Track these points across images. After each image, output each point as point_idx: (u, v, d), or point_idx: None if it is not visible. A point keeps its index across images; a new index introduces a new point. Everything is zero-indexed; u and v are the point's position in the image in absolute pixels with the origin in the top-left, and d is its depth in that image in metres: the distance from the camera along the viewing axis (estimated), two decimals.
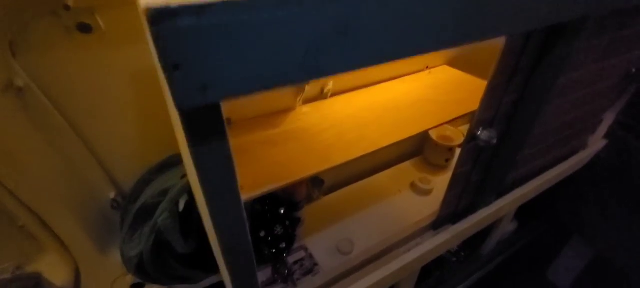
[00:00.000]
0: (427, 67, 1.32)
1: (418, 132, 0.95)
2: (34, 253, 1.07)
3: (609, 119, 1.62)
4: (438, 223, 1.21)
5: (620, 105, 1.59)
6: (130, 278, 1.24)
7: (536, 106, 1.01)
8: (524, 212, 1.83)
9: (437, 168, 1.54)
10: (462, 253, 1.66)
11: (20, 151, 0.83)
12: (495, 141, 0.96)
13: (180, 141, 0.77)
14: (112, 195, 1.10)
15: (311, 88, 1.01)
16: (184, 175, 1.02)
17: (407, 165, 1.56)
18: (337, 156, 0.79)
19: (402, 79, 1.25)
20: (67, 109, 0.84)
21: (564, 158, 1.53)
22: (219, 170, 0.51)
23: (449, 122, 1.06)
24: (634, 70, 1.39)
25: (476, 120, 0.96)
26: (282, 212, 1.00)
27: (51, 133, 0.85)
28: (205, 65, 0.37)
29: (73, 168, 0.97)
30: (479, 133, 0.97)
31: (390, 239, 1.17)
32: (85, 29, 0.72)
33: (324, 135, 0.90)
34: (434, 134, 1.51)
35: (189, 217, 1.06)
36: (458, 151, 1.53)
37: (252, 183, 0.71)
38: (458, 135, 1.52)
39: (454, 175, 1.09)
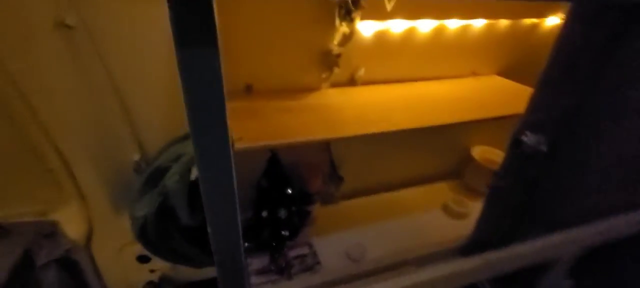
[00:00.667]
0: (474, 73, 1.20)
1: (449, 122, 0.84)
2: (56, 202, 1.11)
3: None
4: (468, 248, 1.04)
5: None
6: (137, 248, 1.23)
7: (602, 118, 0.85)
8: (584, 272, 1.51)
9: (477, 193, 1.37)
10: None
11: (61, 90, 0.89)
12: (544, 148, 0.81)
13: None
14: (136, 157, 1.12)
15: (341, 71, 0.97)
16: None
17: (441, 185, 1.41)
18: (350, 128, 0.72)
19: (443, 80, 1.16)
20: (110, 58, 0.90)
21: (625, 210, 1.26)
22: (206, 79, 0.47)
23: (491, 119, 0.93)
24: None
25: (522, 120, 0.83)
26: (289, 192, 0.93)
27: (91, 79, 0.90)
28: None
29: (105, 121, 1.01)
30: (524, 137, 0.83)
31: (408, 253, 1.03)
32: None
33: (343, 113, 0.83)
34: (477, 155, 1.35)
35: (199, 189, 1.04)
36: None
37: (253, 137, 0.67)
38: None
39: (490, 189, 0.93)
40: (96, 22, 0.84)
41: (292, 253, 0.97)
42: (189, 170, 1.00)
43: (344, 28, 0.88)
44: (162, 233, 1.03)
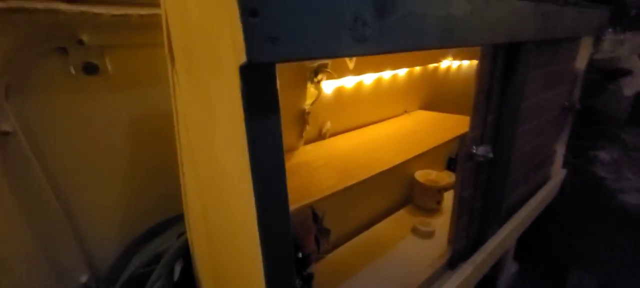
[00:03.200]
0: (406, 111, 1.43)
1: (410, 156, 0.99)
2: None
3: (560, 150, 1.83)
4: (454, 261, 1.15)
5: (565, 137, 1.81)
6: None
7: (512, 124, 1.12)
8: (522, 253, 1.83)
9: (430, 212, 1.54)
10: None
11: None
12: (491, 154, 1.02)
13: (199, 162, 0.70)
14: (83, 279, 0.90)
15: (311, 128, 1.03)
16: (181, 234, 0.89)
17: (401, 213, 1.54)
18: (335, 183, 0.78)
19: (386, 121, 1.34)
20: (50, 163, 0.74)
21: (539, 187, 1.64)
22: (270, 146, 0.47)
23: (435, 148, 1.12)
24: (566, 103, 1.65)
25: (469, 138, 1.02)
26: (300, 256, 0.88)
27: (26, 192, 0.72)
28: (281, 16, 0.38)
29: (43, 243, 0.80)
30: (474, 150, 1.03)
31: (410, 285, 1.07)
32: (91, 69, 0.70)
33: (320, 171, 0.89)
34: (420, 178, 1.55)
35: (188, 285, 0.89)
36: (446, 195, 1.57)
37: None
38: (443, 177, 1.58)
39: (459, 201, 1.09)
40: (36, 124, 0.70)
41: None
42: (172, 271, 0.86)
43: (312, 90, 0.96)
44: None
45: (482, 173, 1.11)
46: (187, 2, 0.50)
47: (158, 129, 0.88)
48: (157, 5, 0.60)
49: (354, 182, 0.78)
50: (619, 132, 2.61)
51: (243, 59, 0.38)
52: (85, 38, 0.66)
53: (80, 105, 0.73)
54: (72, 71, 0.69)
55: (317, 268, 1.14)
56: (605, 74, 2.06)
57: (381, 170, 0.94)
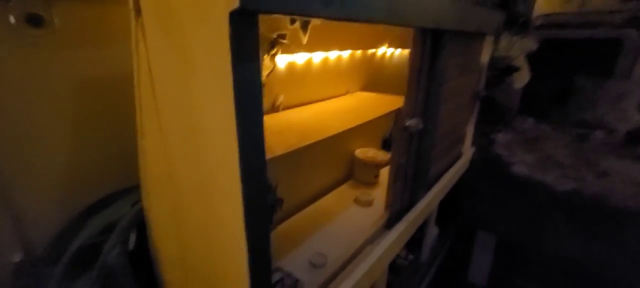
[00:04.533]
0: (348, 91, 1.57)
1: (357, 123, 1.12)
2: None
3: (470, 132, 2.18)
4: (391, 221, 1.32)
5: (474, 120, 2.17)
6: None
7: (436, 101, 1.33)
8: (441, 218, 2.14)
9: (369, 185, 1.71)
10: (410, 256, 1.78)
11: None
12: (422, 125, 1.20)
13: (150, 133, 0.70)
14: (16, 258, 0.81)
15: (266, 100, 1.08)
16: (136, 203, 0.87)
17: (343, 187, 1.68)
18: (296, 142, 0.87)
19: (331, 99, 1.46)
20: None
21: (455, 161, 1.95)
22: (253, 92, 0.52)
23: (372, 128, 1.27)
24: (475, 90, 1.98)
25: (403, 113, 1.19)
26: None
27: None
28: None
29: None
30: (408, 123, 1.20)
31: (355, 244, 1.21)
32: (35, 21, 0.64)
33: (282, 133, 0.96)
34: (360, 155, 1.71)
35: (140, 259, 0.87)
36: (382, 171, 1.77)
37: None
38: (380, 154, 1.76)
39: (393, 167, 1.26)
40: None
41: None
42: (127, 240, 0.84)
43: (268, 62, 1.01)
44: None
45: (413, 143, 1.30)
46: None
47: (108, 93, 0.83)
48: None
49: (312, 141, 0.87)
50: (512, 120, 3.17)
51: (236, 4, 0.43)
52: None
53: (19, 60, 0.66)
54: (12, 21, 0.62)
55: (272, 237, 1.19)
56: (501, 70, 2.52)
57: (333, 133, 1.05)
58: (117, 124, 0.87)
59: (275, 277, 1.02)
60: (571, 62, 3.29)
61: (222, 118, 0.53)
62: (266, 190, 0.62)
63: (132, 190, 0.93)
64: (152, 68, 0.65)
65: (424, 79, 1.24)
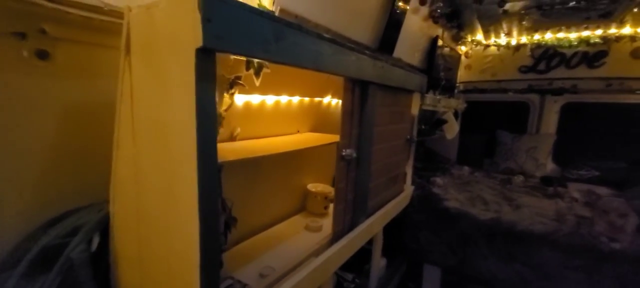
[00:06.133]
0: (298, 131, 1.84)
1: (303, 147, 1.37)
2: None
3: (409, 171, 2.51)
4: (335, 238, 1.51)
5: (411, 162, 2.52)
6: None
7: (369, 140, 1.63)
8: (389, 253, 2.34)
9: (319, 215, 1.91)
10: (357, 281, 1.91)
11: None
12: (355, 155, 1.47)
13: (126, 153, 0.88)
14: None
15: (224, 130, 1.30)
16: (101, 210, 1.00)
17: (296, 217, 1.86)
18: (246, 155, 1.09)
19: (283, 136, 1.71)
20: None
21: (396, 196, 2.22)
22: (209, 104, 0.75)
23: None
24: (408, 136, 2.35)
25: (340, 144, 1.47)
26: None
27: None
28: (223, 24, 0.71)
29: None
30: (343, 153, 1.47)
31: (301, 257, 1.37)
32: (42, 55, 0.83)
33: (235, 152, 1.18)
34: (312, 188, 1.93)
35: (99, 263, 0.98)
36: (331, 205, 1.98)
37: None
38: (329, 189, 1.99)
39: (336, 191, 1.49)
40: None
41: (223, 285, 1.08)
42: (90, 240, 0.96)
43: (227, 99, 1.26)
44: None
45: (351, 171, 1.55)
46: (154, 12, 0.77)
47: (88, 117, 1.01)
48: (119, 16, 0.84)
49: (259, 155, 1.08)
50: (450, 167, 3.61)
51: (200, 44, 0.69)
52: (47, 28, 0.81)
53: (21, 85, 0.83)
54: (25, 54, 0.81)
55: (227, 256, 1.32)
56: (433, 122, 2.98)
57: (280, 151, 1.30)
58: (93, 145, 1.03)
59: (226, 283, 1.14)
60: (493, 120, 3.94)
61: (186, 125, 0.74)
62: (218, 191, 0.81)
63: (93, 206, 1.06)
64: (134, 93, 0.86)
65: (357, 119, 1.55)
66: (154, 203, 0.89)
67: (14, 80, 0.83)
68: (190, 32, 0.69)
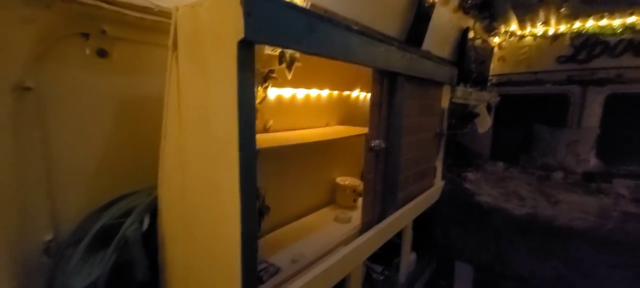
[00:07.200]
0: (327, 124, 1.88)
1: (333, 137, 1.41)
2: None
3: (439, 166, 2.48)
4: (363, 229, 1.54)
5: (441, 156, 2.48)
6: None
7: (397, 132, 1.64)
8: (419, 249, 2.32)
9: (348, 208, 1.94)
10: (386, 273, 1.92)
11: None
12: (384, 145, 1.49)
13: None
14: (48, 236, 1.00)
15: (258, 122, 1.37)
16: (150, 194, 1.09)
17: (325, 209, 1.90)
18: (281, 143, 1.15)
19: (312, 128, 1.76)
20: (48, 122, 0.92)
21: (425, 190, 2.20)
22: (249, 93, 0.81)
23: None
24: (438, 130, 2.32)
25: (368, 135, 1.49)
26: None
27: (27, 144, 0.88)
28: (262, 18, 0.77)
29: (24, 194, 0.92)
30: (372, 144, 1.49)
31: (331, 246, 1.41)
32: (102, 53, 0.94)
33: (269, 141, 1.24)
34: (340, 181, 1.96)
35: (149, 241, 1.07)
36: (360, 199, 2.00)
37: None
38: (358, 183, 2.02)
39: (365, 183, 1.52)
40: (51, 86, 0.90)
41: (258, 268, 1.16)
42: (142, 220, 1.06)
43: (261, 92, 1.33)
44: None
45: (380, 163, 1.57)
46: (199, 10, 0.84)
47: (139, 110, 1.11)
48: (167, 16, 0.92)
49: (292, 143, 1.14)
50: (483, 163, 3.51)
51: (241, 36, 0.75)
52: (107, 29, 0.92)
53: (84, 80, 0.94)
54: (87, 52, 0.92)
55: (261, 243, 1.39)
56: (463, 116, 2.91)
57: (312, 141, 1.38)
58: (143, 135, 1.13)
59: (261, 265, 1.21)
60: (529, 114, 3.76)
61: (229, 112, 0.81)
62: (255, 169, 0.87)
63: (144, 190, 1.16)
64: (180, 85, 0.94)
65: (385, 111, 1.56)
66: (198, 188, 0.96)
67: (78, 76, 0.94)
68: (232, 26, 0.75)
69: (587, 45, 3.29)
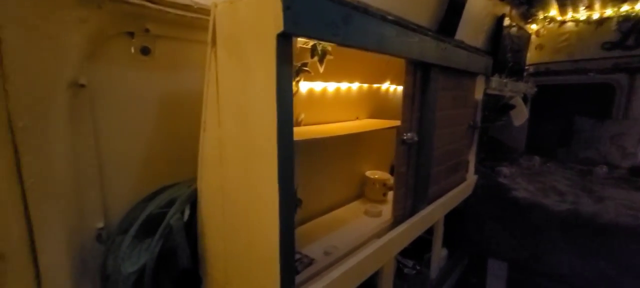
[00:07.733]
0: (357, 118, 1.87)
1: (364, 130, 1.40)
2: None
3: (472, 160, 2.39)
4: (395, 222, 1.52)
5: (474, 150, 2.39)
6: None
7: (430, 125, 1.60)
8: (450, 245, 2.27)
9: (378, 202, 1.92)
10: (418, 267, 1.90)
11: (52, 150, 0.89)
12: (416, 138, 1.46)
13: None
14: (100, 224, 1.07)
15: None
16: (190, 185, 1.14)
17: (355, 203, 1.90)
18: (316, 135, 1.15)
19: (342, 122, 1.76)
20: (99, 115, 0.98)
21: (458, 184, 2.14)
22: (287, 85, 0.82)
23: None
24: (471, 122, 2.24)
25: (400, 128, 1.46)
26: None
27: (81, 138, 0.94)
28: (300, 11, 0.77)
29: (78, 185, 0.99)
30: (404, 137, 1.46)
31: (363, 238, 1.41)
32: (145, 51, 0.98)
33: (303, 134, 1.25)
34: (370, 175, 1.95)
35: (189, 231, 1.12)
36: (389, 194, 1.98)
37: None
38: (387, 177, 1.99)
39: (396, 176, 1.50)
40: (101, 83, 0.96)
41: None
42: (183, 211, 1.10)
43: (293, 86, 1.34)
44: (160, 284, 1.02)
45: (412, 156, 1.54)
46: (238, 5, 0.86)
47: (179, 105, 1.16)
48: (205, 13, 0.95)
49: (324, 136, 1.14)
50: (518, 158, 3.35)
51: (280, 29, 0.75)
52: (150, 27, 0.96)
53: (129, 78, 1.00)
54: (132, 50, 0.97)
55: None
56: (498, 108, 2.78)
57: (343, 133, 1.37)
58: (183, 128, 1.18)
59: (296, 256, 1.23)
60: (569, 105, 3.54)
61: (267, 104, 0.82)
62: (292, 161, 0.88)
63: (185, 182, 1.21)
64: (219, 80, 0.97)
65: (418, 103, 1.53)
66: (236, 180, 0.99)
67: (124, 73, 1.00)
68: (271, 20, 0.76)
69: (636, 30, 3.03)
